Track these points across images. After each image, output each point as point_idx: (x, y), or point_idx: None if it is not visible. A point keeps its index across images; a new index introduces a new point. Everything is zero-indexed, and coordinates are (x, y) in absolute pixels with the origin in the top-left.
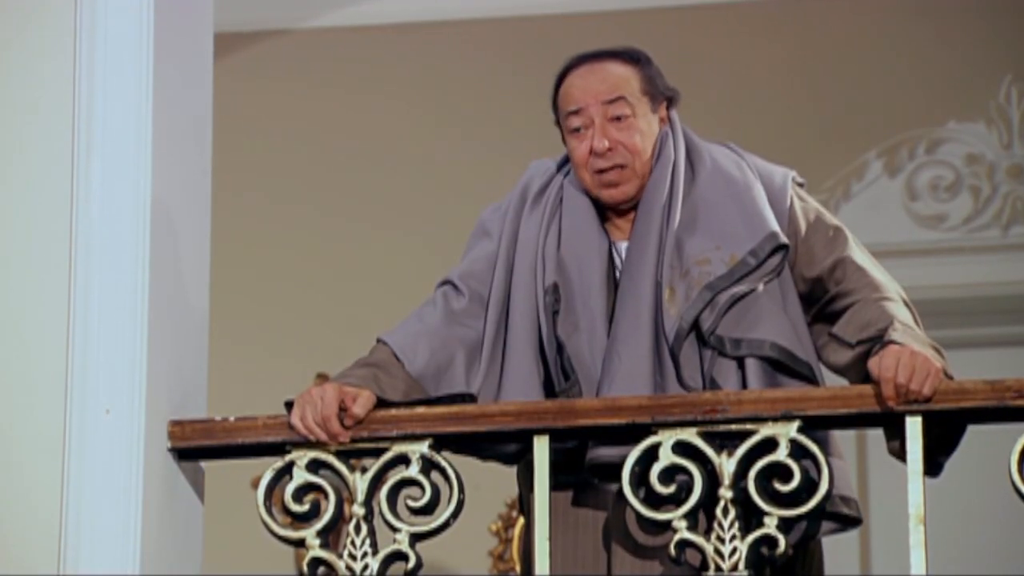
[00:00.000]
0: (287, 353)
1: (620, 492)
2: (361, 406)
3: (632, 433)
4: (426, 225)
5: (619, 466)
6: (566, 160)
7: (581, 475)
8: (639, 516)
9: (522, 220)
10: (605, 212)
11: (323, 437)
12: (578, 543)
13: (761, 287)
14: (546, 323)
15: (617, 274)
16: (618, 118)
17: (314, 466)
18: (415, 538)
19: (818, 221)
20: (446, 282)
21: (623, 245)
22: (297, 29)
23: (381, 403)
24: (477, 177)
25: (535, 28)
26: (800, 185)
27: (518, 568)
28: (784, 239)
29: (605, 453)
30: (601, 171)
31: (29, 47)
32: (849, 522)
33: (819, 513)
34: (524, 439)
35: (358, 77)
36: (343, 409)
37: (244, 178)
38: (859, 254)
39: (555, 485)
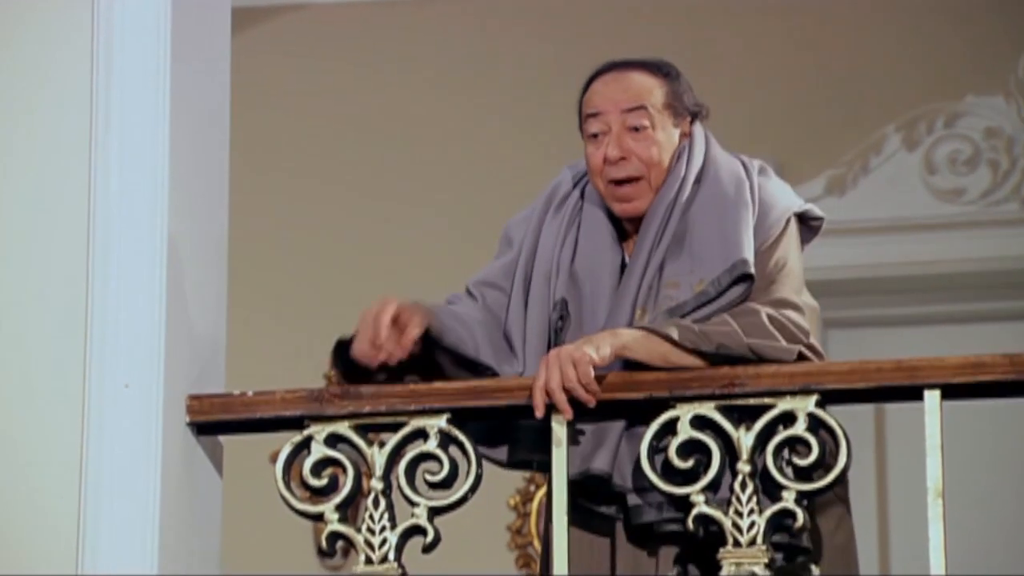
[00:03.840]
0: (306, 327)
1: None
2: (417, 326)
3: (650, 407)
4: (447, 201)
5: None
6: None
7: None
8: (657, 490)
9: (544, 225)
10: (622, 225)
11: (381, 357)
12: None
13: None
14: (554, 338)
15: None
16: (636, 128)
17: (332, 440)
18: (433, 512)
19: (772, 273)
20: (467, 288)
21: None
22: (316, 3)
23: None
24: (500, 156)
25: (559, 4)
26: (815, 220)
27: (536, 543)
28: (751, 269)
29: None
30: (615, 183)
31: (46, 25)
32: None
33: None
34: (544, 415)
35: (379, 51)
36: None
37: (263, 153)
38: (765, 317)
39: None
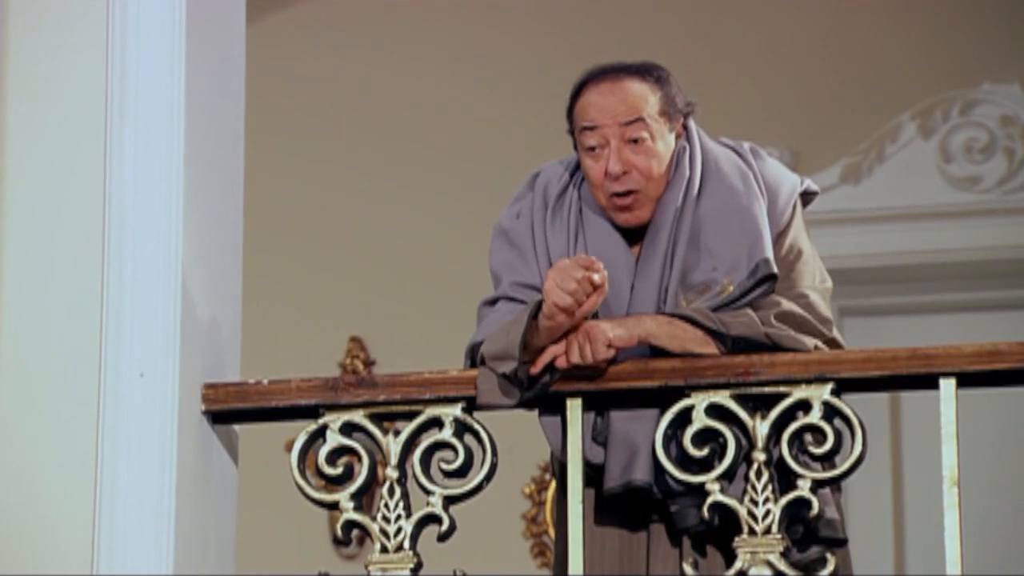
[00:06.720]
0: (321, 316)
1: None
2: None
3: (665, 396)
4: (461, 186)
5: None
6: (578, 165)
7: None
8: (673, 478)
9: (547, 230)
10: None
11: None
12: (605, 553)
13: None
14: None
15: None
16: (634, 140)
17: (347, 429)
18: (448, 501)
19: (789, 259)
20: (498, 298)
21: None
22: None
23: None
24: (515, 138)
25: None
26: (812, 194)
27: (551, 531)
28: (774, 269)
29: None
30: (615, 195)
31: (61, 20)
32: (834, 543)
33: (808, 537)
34: (557, 402)
35: (394, 36)
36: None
37: (278, 140)
38: (786, 309)
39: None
